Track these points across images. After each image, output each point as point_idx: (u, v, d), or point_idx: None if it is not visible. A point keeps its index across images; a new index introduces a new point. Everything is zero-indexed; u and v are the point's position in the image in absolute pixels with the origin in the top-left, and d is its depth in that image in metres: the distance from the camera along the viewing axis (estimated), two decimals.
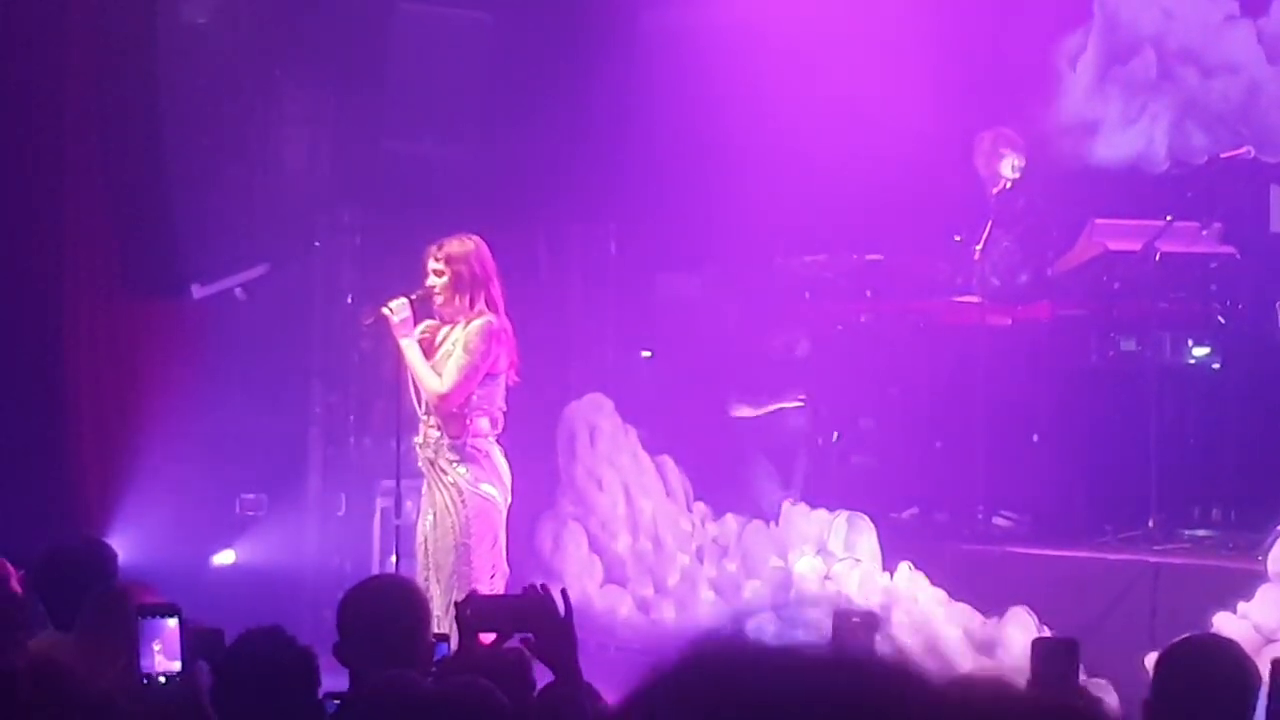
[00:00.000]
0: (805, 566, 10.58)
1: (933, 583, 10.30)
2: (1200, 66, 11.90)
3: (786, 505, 11.06)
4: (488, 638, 5.21)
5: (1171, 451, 10.61)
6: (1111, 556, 10.30)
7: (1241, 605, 9.07)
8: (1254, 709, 4.92)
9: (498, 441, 9.00)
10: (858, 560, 10.51)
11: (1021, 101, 11.85)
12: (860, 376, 11.75)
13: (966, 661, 9.70)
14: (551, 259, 12.93)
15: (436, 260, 8.91)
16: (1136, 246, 10.71)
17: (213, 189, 11.97)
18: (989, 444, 11.05)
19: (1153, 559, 9.99)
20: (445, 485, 8.87)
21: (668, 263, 13.03)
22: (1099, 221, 11.13)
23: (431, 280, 8.91)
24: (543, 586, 5.13)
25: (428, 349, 8.94)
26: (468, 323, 8.90)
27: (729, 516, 11.37)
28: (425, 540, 8.94)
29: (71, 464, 11.32)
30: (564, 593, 5.02)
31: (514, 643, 5.11)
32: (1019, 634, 9.64)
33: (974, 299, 11.18)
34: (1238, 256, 10.98)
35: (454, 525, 8.82)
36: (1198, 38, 11.91)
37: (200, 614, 6.12)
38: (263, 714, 5.03)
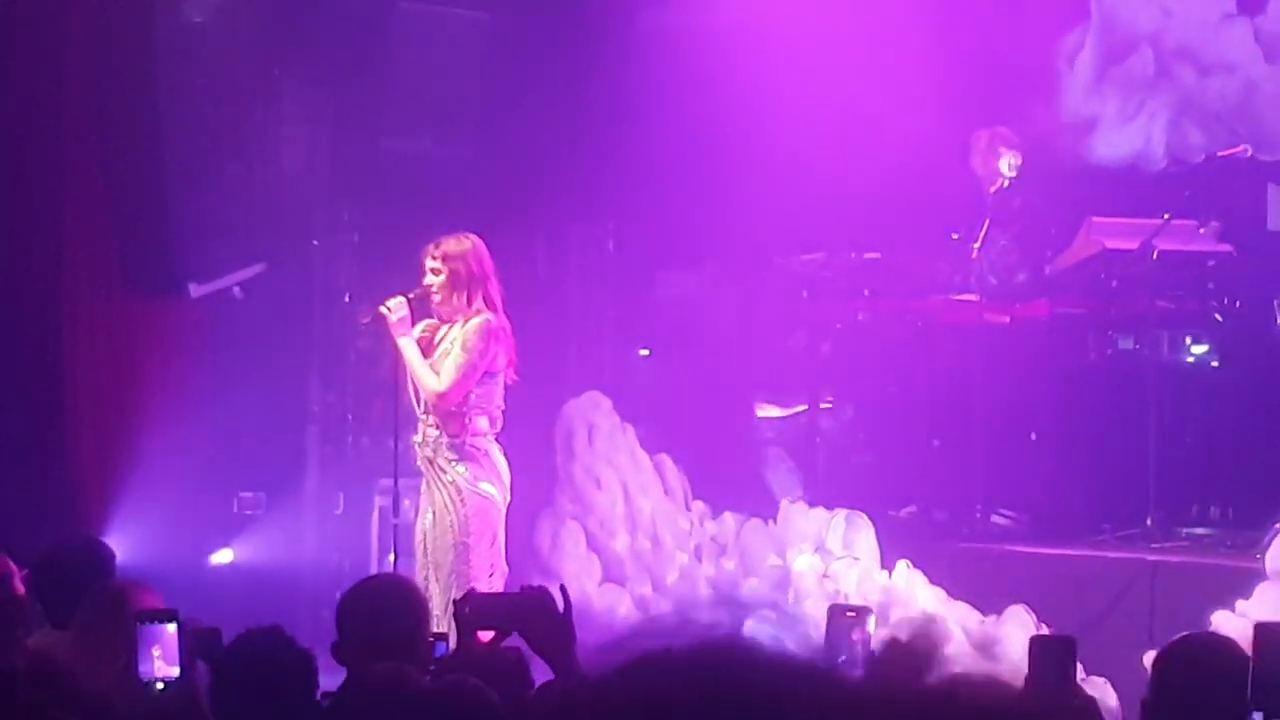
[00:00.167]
0: (803, 565, 10.58)
1: (931, 581, 10.30)
2: (1198, 65, 11.90)
3: (785, 503, 11.06)
4: (486, 636, 5.21)
5: (1169, 449, 10.61)
6: (1110, 555, 10.31)
7: (1240, 603, 9.07)
8: (1250, 710, 4.92)
9: (496, 440, 9.00)
10: (856, 558, 10.51)
11: (1019, 100, 11.86)
12: (858, 375, 11.75)
13: (964, 660, 9.70)
14: (550, 257, 12.94)
15: (434, 259, 8.91)
16: (1134, 245, 10.72)
17: (211, 188, 11.96)
18: (987, 442, 11.06)
19: (1151, 557, 10.00)
20: (444, 484, 8.87)
21: (666, 261, 13.03)
22: (1096, 220, 11.13)
23: (429, 279, 8.91)
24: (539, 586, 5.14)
25: (426, 348, 8.95)
26: (466, 321, 8.91)
27: (727, 515, 11.37)
28: (424, 539, 8.94)
29: (70, 462, 11.32)
30: (563, 589, 5.02)
31: (513, 641, 5.11)
32: (1017, 632, 9.64)
33: (972, 297, 11.18)
34: (1235, 255, 10.98)
35: (453, 524, 8.82)
36: (1195, 36, 11.92)
37: (198, 613, 6.13)
38: (261, 714, 5.03)
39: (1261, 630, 5.02)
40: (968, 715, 2.07)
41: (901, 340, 11.52)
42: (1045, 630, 9.57)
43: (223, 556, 11.87)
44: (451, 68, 12.33)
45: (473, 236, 9.00)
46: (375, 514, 11.58)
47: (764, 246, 12.23)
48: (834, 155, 11.50)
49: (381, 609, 5.51)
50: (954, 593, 10.23)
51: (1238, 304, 10.95)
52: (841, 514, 10.74)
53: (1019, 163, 11.36)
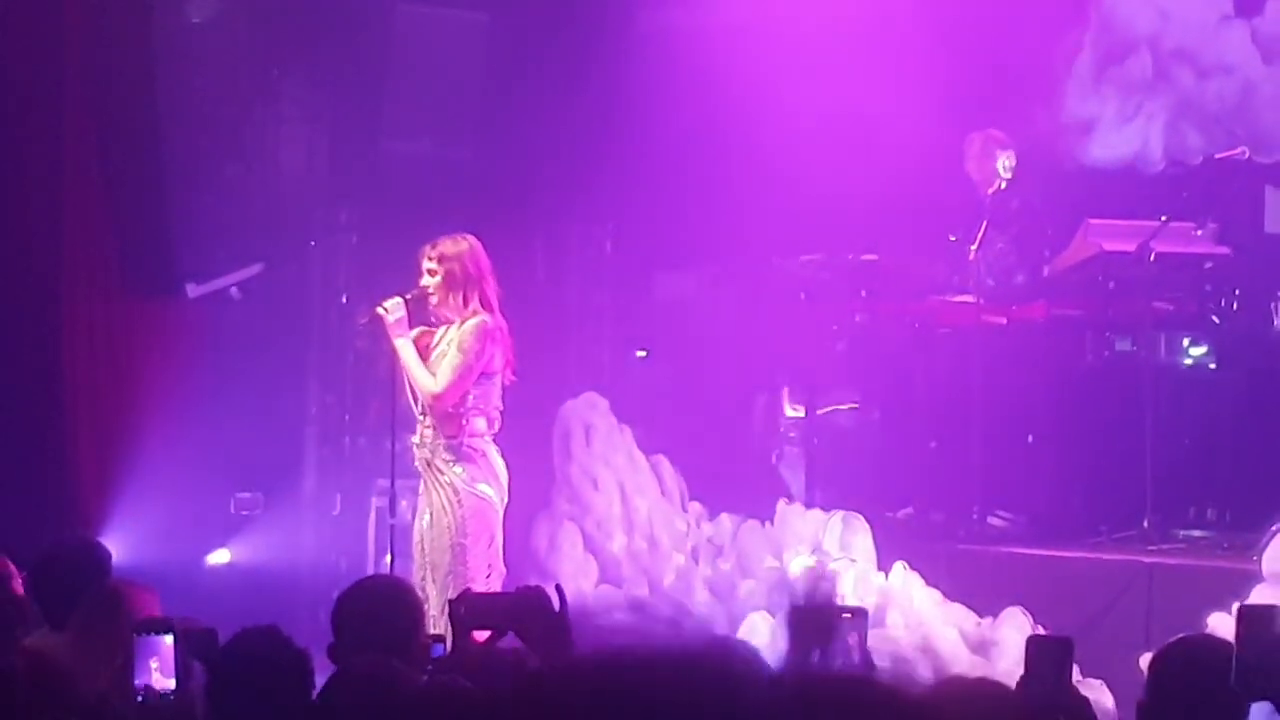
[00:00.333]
0: (800, 566, 10.58)
1: (928, 583, 10.30)
2: (1195, 67, 11.91)
3: (782, 505, 11.06)
4: (483, 636, 5.21)
5: (1167, 451, 10.61)
6: (1107, 557, 10.31)
7: (1236, 606, 9.06)
8: (1248, 710, 4.92)
9: (494, 441, 9.00)
10: (853, 560, 10.51)
11: (1018, 102, 11.86)
12: (855, 376, 11.76)
13: (961, 662, 9.70)
14: (548, 258, 12.94)
15: (430, 260, 8.91)
16: (1131, 247, 10.72)
17: (209, 188, 11.97)
18: (984, 444, 11.06)
19: (1148, 559, 10.00)
20: (442, 485, 8.87)
21: (664, 262, 13.04)
22: (1094, 222, 11.14)
23: (426, 280, 8.91)
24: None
25: (423, 352, 8.94)
26: (462, 322, 8.91)
27: (724, 516, 11.37)
28: (421, 540, 8.94)
29: (67, 463, 11.32)
30: (559, 589, 5.02)
31: (509, 641, 5.11)
32: (1014, 634, 9.64)
33: (969, 299, 11.18)
34: (1233, 257, 10.99)
35: (450, 525, 8.82)
36: (1193, 38, 11.92)
37: (195, 614, 6.13)
38: (257, 714, 5.03)
39: (1245, 612, 5.03)
40: (961, 716, 2.08)
41: (899, 342, 11.52)
42: (1042, 632, 9.57)
43: (220, 557, 11.88)
44: (450, 69, 12.33)
45: (470, 237, 9.00)
46: (372, 515, 11.58)
47: (762, 248, 12.23)
48: (832, 156, 11.50)
49: (377, 610, 5.51)
50: (951, 594, 10.23)
51: (1235, 306, 10.95)
52: (838, 515, 10.73)
53: (1014, 164, 11.36)
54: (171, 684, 5.29)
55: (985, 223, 11.17)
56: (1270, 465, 10.48)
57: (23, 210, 11.32)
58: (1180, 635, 5.34)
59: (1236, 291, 10.97)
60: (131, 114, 11.58)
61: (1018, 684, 5.00)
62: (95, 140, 11.53)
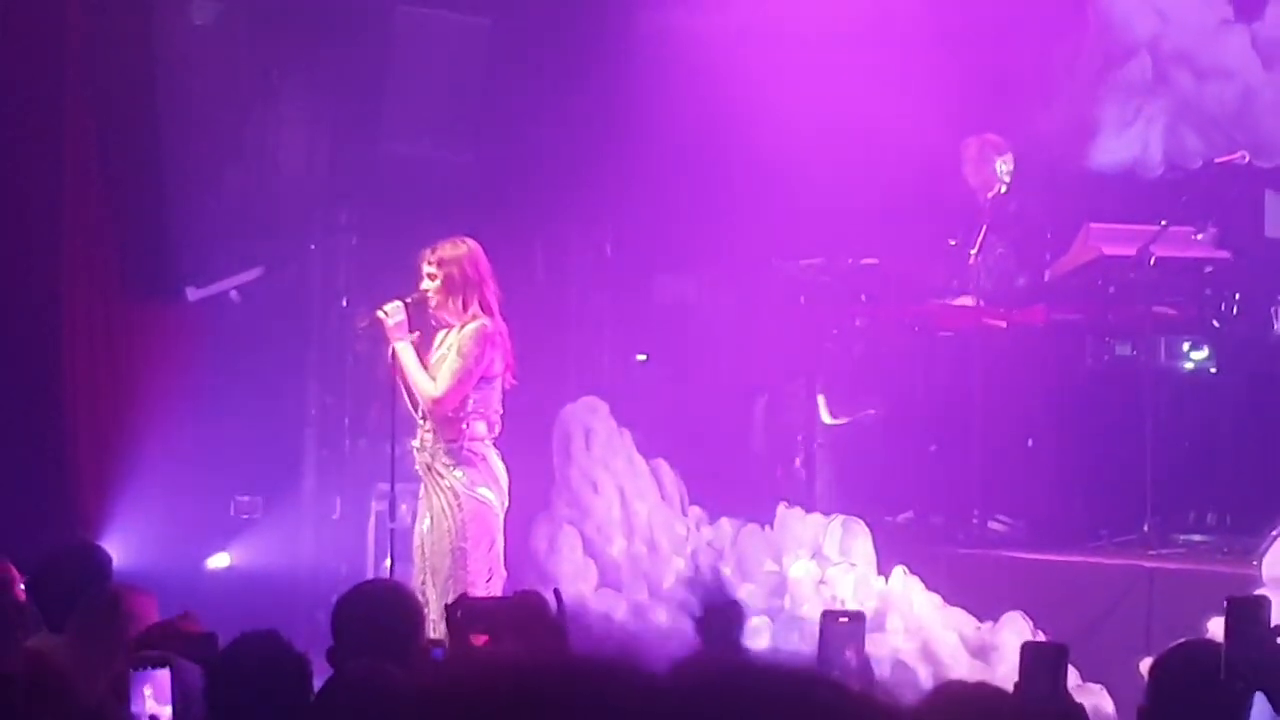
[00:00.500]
0: (800, 571, 10.58)
1: (928, 587, 10.30)
2: (1195, 70, 11.91)
3: (782, 509, 11.06)
4: (481, 640, 5.21)
5: (1166, 456, 10.61)
6: (1107, 561, 10.31)
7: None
8: (1248, 714, 4.93)
9: (494, 445, 8.99)
10: (853, 564, 10.50)
11: (1017, 106, 11.86)
12: (855, 380, 11.75)
13: (961, 666, 9.70)
14: (548, 262, 12.94)
15: (430, 264, 8.91)
16: (1131, 251, 10.72)
17: (209, 191, 11.97)
18: (984, 448, 11.06)
19: (1148, 564, 9.99)
20: (442, 489, 8.86)
21: (664, 266, 13.04)
22: (1094, 226, 11.14)
23: (425, 283, 8.91)
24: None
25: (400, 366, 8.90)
26: (462, 326, 8.90)
27: (724, 520, 11.37)
28: (422, 544, 8.93)
29: (67, 466, 11.31)
30: (557, 593, 5.02)
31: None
32: (1014, 639, 9.63)
33: (969, 303, 11.19)
34: (1233, 261, 10.99)
35: (450, 529, 8.81)
36: (1193, 42, 11.93)
37: (194, 617, 6.13)
38: (257, 717, 5.03)
39: (1233, 603, 5.04)
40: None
41: (899, 346, 11.52)
42: (1042, 637, 9.57)
43: (220, 560, 11.87)
44: (450, 72, 12.33)
45: (469, 241, 8.99)
46: (372, 518, 11.57)
47: (761, 252, 12.23)
48: (832, 160, 11.50)
49: (377, 614, 5.51)
50: (951, 599, 10.23)
51: (1235, 310, 10.95)
52: (838, 519, 10.73)
53: (1012, 168, 11.37)
54: (167, 711, 5.26)
55: (984, 227, 11.18)
56: (1270, 470, 10.48)
57: (23, 212, 11.31)
58: (1180, 640, 5.34)
59: (1236, 296, 10.97)
60: (131, 116, 11.58)
61: (1013, 690, 5.00)
62: (95, 142, 11.52)
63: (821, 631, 6.45)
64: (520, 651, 4.84)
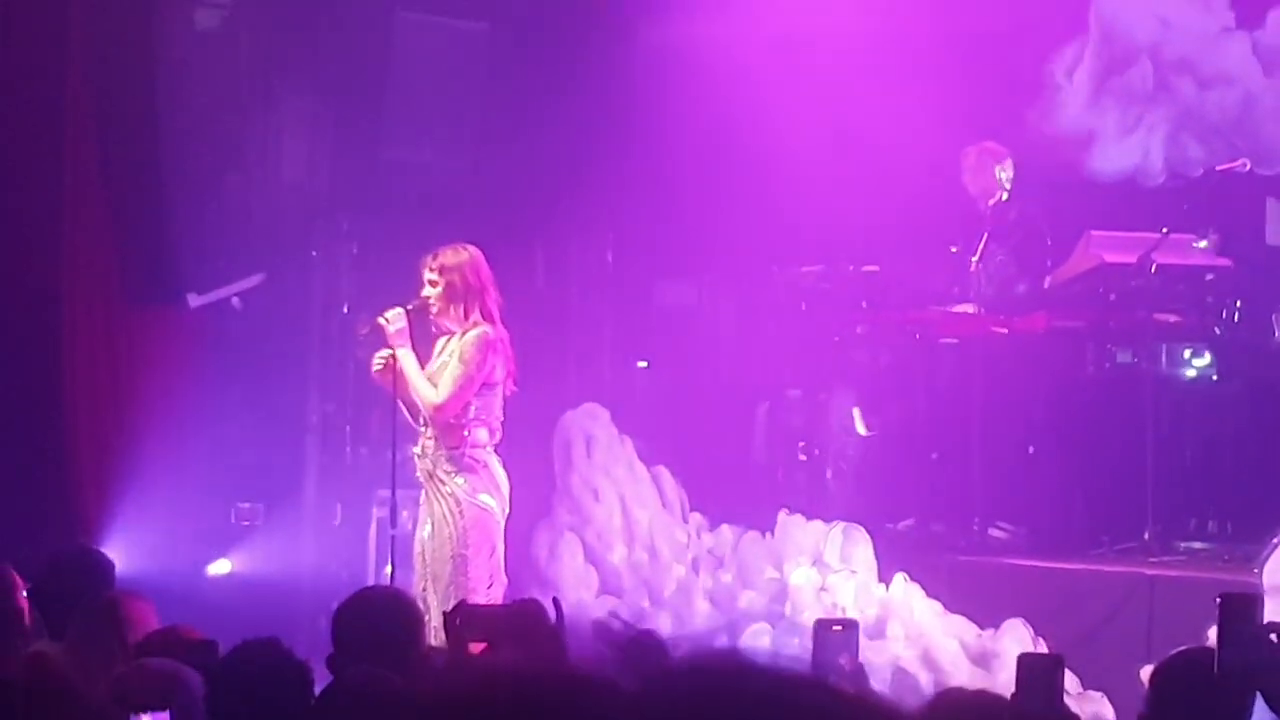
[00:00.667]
0: (801, 578, 10.58)
1: (928, 594, 10.29)
2: (1196, 78, 11.91)
3: (782, 516, 11.06)
4: (479, 648, 5.21)
5: (1168, 463, 10.61)
6: (1108, 569, 10.31)
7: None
8: None
9: (495, 451, 8.99)
10: (853, 572, 10.50)
11: (1018, 114, 11.86)
12: (856, 387, 11.75)
13: (962, 673, 9.69)
14: (548, 268, 12.94)
15: (431, 270, 8.90)
16: (1132, 259, 10.73)
17: (210, 198, 11.98)
18: (985, 455, 11.06)
19: (1149, 571, 9.99)
20: (444, 496, 8.86)
21: (665, 273, 13.04)
22: (1095, 233, 11.14)
23: (427, 290, 8.91)
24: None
25: (399, 375, 8.89)
26: (463, 333, 8.90)
27: (725, 527, 11.37)
28: (423, 550, 8.93)
29: (68, 473, 11.31)
30: (556, 601, 5.02)
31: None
32: (1015, 646, 9.63)
33: (970, 310, 11.19)
34: (1234, 269, 10.99)
35: (451, 535, 8.81)
36: (1194, 49, 11.93)
37: (196, 624, 6.13)
38: None
39: (1226, 601, 5.04)
40: None
41: (900, 353, 11.52)
42: (1042, 644, 9.57)
43: (220, 567, 11.87)
44: (451, 79, 12.34)
45: (470, 248, 8.99)
46: (373, 525, 11.57)
47: (762, 258, 12.24)
48: (833, 167, 11.51)
49: (377, 621, 5.50)
50: (952, 606, 10.22)
51: (1236, 318, 10.95)
52: (839, 527, 10.73)
53: (1011, 175, 11.37)
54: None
55: (985, 234, 11.18)
56: (1271, 477, 10.47)
57: (24, 218, 11.31)
58: (1181, 648, 5.34)
59: (1238, 303, 10.97)
60: (133, 122, 11.58)
61: (1009, 700, 5.00)
62: (96, 148, 11.53)
63: (815, 639, 6.46)
64: (517, 659, 4.85)
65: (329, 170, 12.45)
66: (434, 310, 8.92)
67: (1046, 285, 11.31)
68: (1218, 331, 10.95)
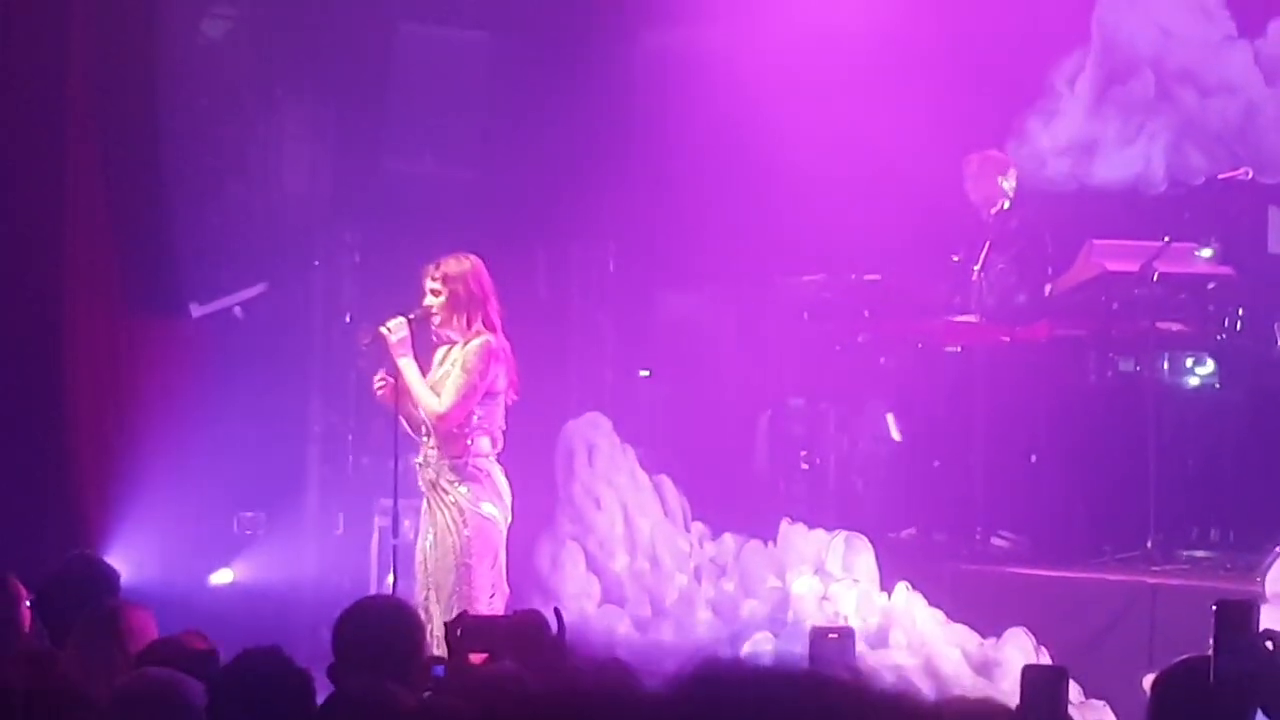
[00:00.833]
0: (803, 586, 10.57)
1: (931, 603, 10.29)
2: (1198, 87, 11.91)
3: (784, 525, 11.06)
4: (480, 658, 5.21)
5: (1170, 472, 10.61)
6: (1110, 577, 10.30)
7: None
8: None
9: (497, 460, 8.99)
10: (855, 580, 10.50)
11: (1020, 122, 11.87)
12: (859, 396, 11.75)
13: (964, 682, 9.69)
14: (550, 277, 12.94)
15: (434, 280, 8.90)
16: (1135, 267, 10.72)
17: (213, 207, 11.98)
18: (987, 464, 11.05)
19: (1151, 580, 9.99)
20: (446, 505, 8.85)
21: (667, 282, 13.04)
22: (1097, 242, 11.14)
23: (429, 300, 8.91)
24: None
25: (401, 391, 8.89)
26: (466, 342, 8.90)
27: (727, 536, 11.36)
28: (424, 560, 8.92)
29: (70, 482, 11.30)
30: (557, 612, 5.02)
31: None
32: (1017, 655, 9.63)
33: (972, 319, 11.18)
34: (1236, 277, 10.98)
35: (455, 545, 8.80)
36: (1196, 58, 11.93)
37: (197, 634, 6.13)
38: None
39: (1222, 608, 5.04)
40: None
41: (902, 362, 11.52)
42: (1045, 652, 9.57)
43: (223, 576, 11.87)
44: (452, 88, 12.34)
45: (472, 257, 8.99)
46: (375, 534, 11.56)
47: (765, 268, 12.24)
48: (835, 177, 11.51)
49: (378, 630, 5.50)
50: (954, 615, 10.22)
51: (1238, 326, 10.95)
52: (841, 536, 10.73)
53: (1014, 184, 11.37)
54: None
55: (987, 243, 11.18)
56: (1273, 486, 10.47)
57: (26, 228, 11.31)
58: (1183, 656, 5.33)
59: (1240, 312, 10.96)
60: (135, 133, 11.58)
61: (1014, 712, 5.00)
62: (99, 159, 11.53)
63: (811, 647, 6.46)
64: (519, 670, 4.84)
65: (331, 179, 12.46)
66: (436, 319, 8.91)
67: (1048, 294, 11.30)
68: (1220, 340, 10.95)
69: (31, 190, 11.34)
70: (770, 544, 11.05)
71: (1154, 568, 10.20)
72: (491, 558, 8.85)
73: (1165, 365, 10.93)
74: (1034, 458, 11.23)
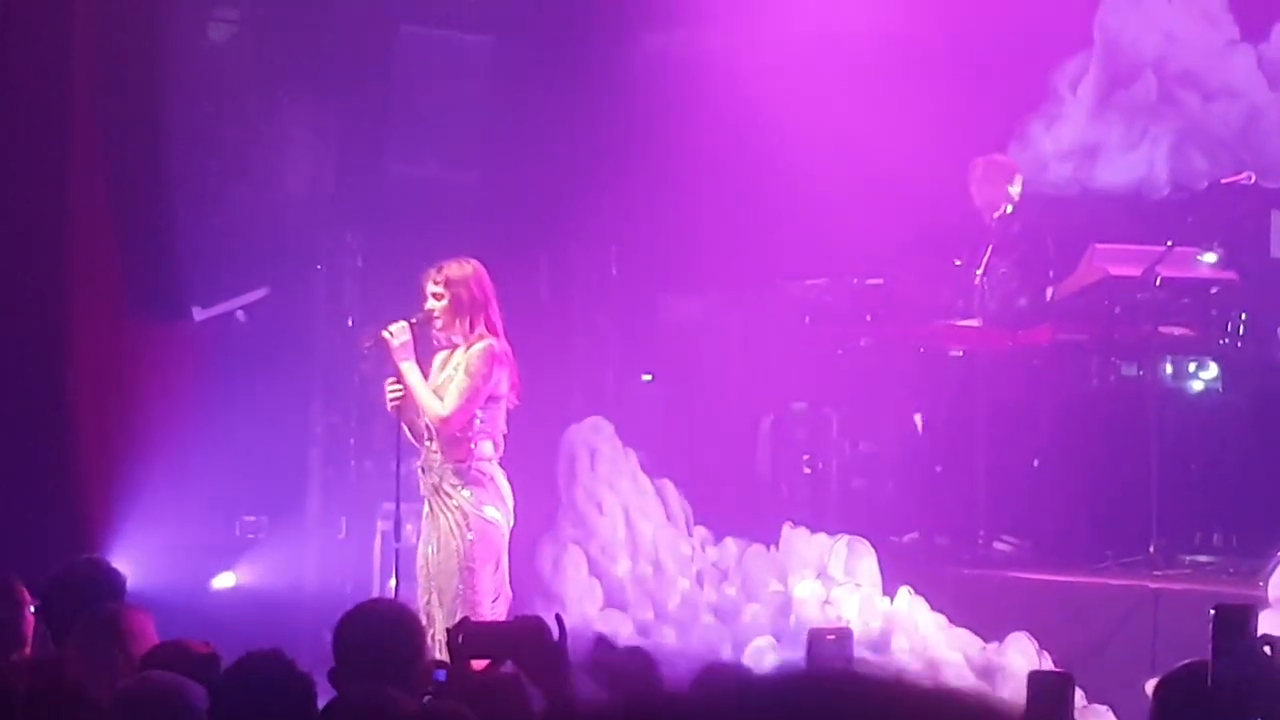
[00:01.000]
0: (805, 591, 10.57)
1: (933, 608, 10.28)
2: (1201, 91, 11.91)
3: (787, 529, 11.05)
4: (481, 664, 5.20)
5: (1172, 476, 10.60)
6: (1112, 582, 10.29)
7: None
8: None
9: (500, 464, 8.99)
10: (858, 585, 10.49)
11: (1022, 126, 11.86)
12: (861, 400, 11.75)
13: (967, 687, 9.68)
14: (553, 281, 12.94)
15: (435, 284, 8.90)
16: (1137, 271, 10.72)
17: (215, 211, 11.98)
18: (990, 468, 11.05)
19: (1153, 584, 9.98)
20: (450, 509, 8.85)
21: (669, 286, 13.04)
22: (1100, 246, 11.14)
23: (430, 304, 8.91)
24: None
25: (405, 398, 8.89)
26: (469, 346, 8.90)
27: (729, 540, 11.36)
28: (426, 564, 8.92)
29: (73, 486, 11.30)
30: (558, 618, 5.02)
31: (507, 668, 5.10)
32: (1019, 659, 9.63)
33: (975, 323, 11.18)
34: (1239, 281, 10.98)
35: (458, 549, 8.80)
36: (1198, 62, 11.93)
37: (199, 637, 6.12)
38: None
39: (1220, 613, 5.03)
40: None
41: (904, 366, 11.52)
42: (1047, 657, 9.56)
43: (225, 580, 11.87)
44: (455, 92, 12.35)
45: (473, 261, 8.99)
46: (378, 538, 11.56)
47: (767, 272, 12.23)
48: (838, 181, 11.51)
49: (378, 635, 5.49)
50: (956, 619, 10.21)
51: (1241, 330, 10.95)
52: (843, 540, 10.72)
53: (1019, 188, 11.36)
54: None
55: (990, 248, 11.17)
56: (1276, 490, 10.46)
57: (29, 232, 11.32)
58: (1186, 661, 5.33)
59: (1242, 316, 10.96)
60: (137, 137, 11.59)
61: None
62: (100, 163, 11.53)
63: (809, 648, 6.44)
64: (520, 675, 4.83)
65: (333, 183, 12.46)
66: (439, 323, 8.91)
67: (1050, 298, 11.29)
68: (1222, 344, 10.95)
69: (35, 193, 11.34)
70: (772, 548, 11.05)
71: (1156, 572, 10.19)
72: (494, 561, 8.84)
73: (1168, 370, 10.93)
74: (1036, 462, 11.23)
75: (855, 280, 11.61)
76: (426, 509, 9.01)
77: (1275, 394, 10.85)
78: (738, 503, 11.96)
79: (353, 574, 11.78)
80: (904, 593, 10.35)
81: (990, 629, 10.03)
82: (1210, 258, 10.95)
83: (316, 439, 12.25)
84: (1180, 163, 11.87)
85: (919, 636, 10.13)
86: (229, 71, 12.08)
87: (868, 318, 11.58)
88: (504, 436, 9.00)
